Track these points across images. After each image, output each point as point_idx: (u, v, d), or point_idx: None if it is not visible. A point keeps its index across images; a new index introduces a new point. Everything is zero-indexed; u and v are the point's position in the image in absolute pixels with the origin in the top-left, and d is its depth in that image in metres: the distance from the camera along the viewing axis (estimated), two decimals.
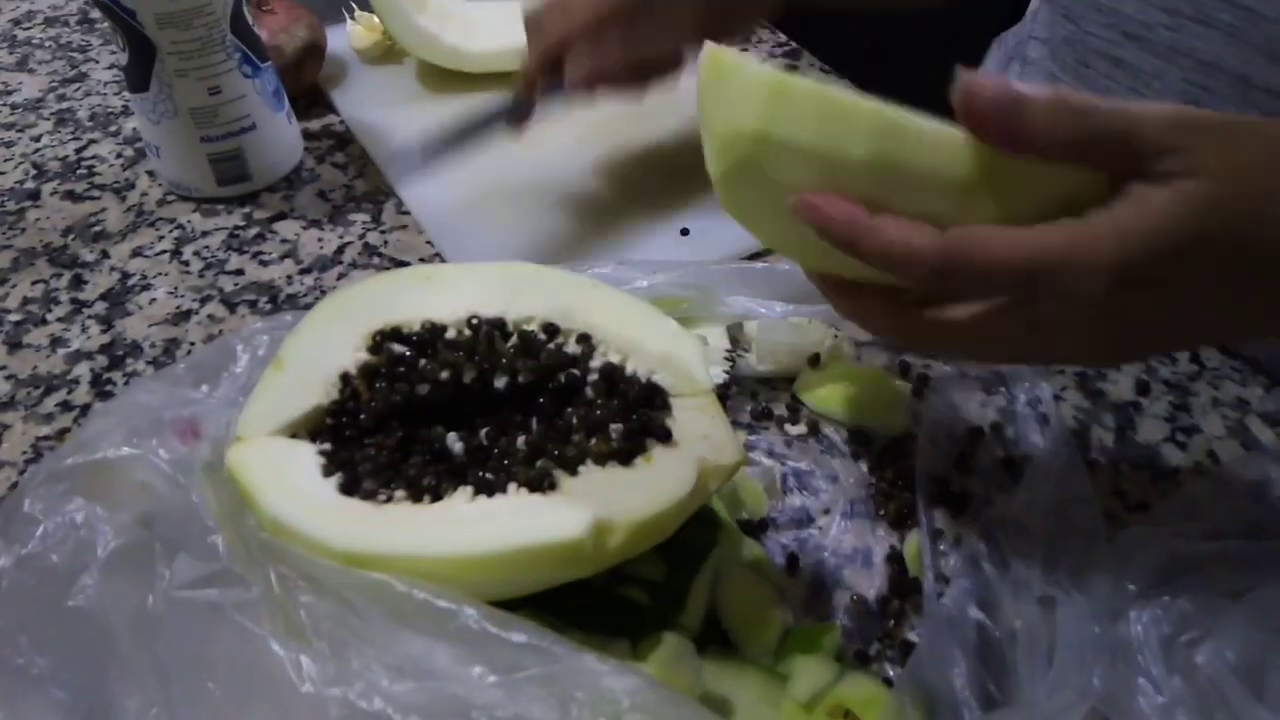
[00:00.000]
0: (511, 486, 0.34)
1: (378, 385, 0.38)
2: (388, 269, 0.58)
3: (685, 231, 0.59)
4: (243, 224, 0.61)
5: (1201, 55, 0.50)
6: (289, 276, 0.57)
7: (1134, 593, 0.39)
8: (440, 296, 0.40)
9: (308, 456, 0.35)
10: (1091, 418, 0.49)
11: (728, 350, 0.51)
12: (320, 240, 0.60)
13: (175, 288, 0.57)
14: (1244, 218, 0.30)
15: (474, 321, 0.40)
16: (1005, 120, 0.30)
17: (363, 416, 0.37)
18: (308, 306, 0.53)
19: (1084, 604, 0.39)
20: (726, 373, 0.50)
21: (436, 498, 0.34)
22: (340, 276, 0.57)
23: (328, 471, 0.35)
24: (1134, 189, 0.30)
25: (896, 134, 0.32)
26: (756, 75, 0.33)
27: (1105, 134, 0.30)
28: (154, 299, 0.56)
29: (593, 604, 0.37)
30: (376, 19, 0.70)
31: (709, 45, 0.36)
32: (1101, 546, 0.41)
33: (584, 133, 0.66)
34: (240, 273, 0.58)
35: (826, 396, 0.50)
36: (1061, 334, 0.34)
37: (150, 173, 0.65)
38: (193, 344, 0.53)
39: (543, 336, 0.40)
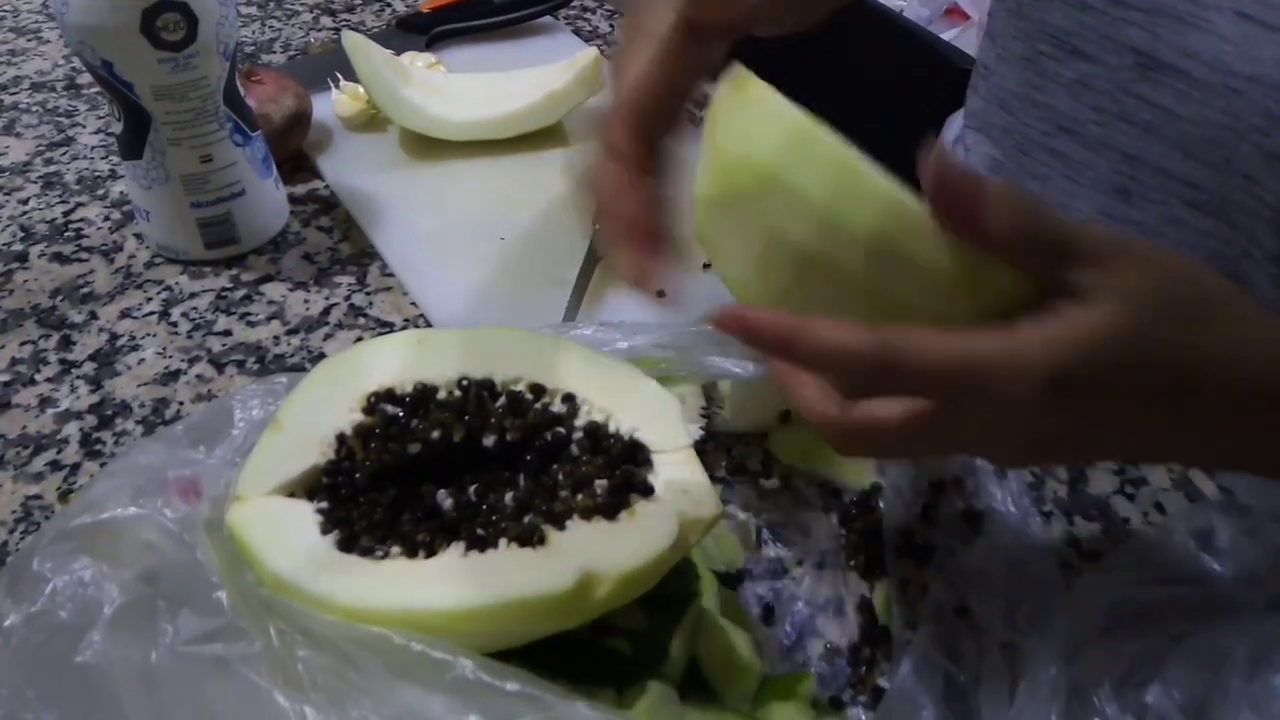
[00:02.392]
0: (502, 541, 0.36)
1: (372, 445, 0.39)
2: (373, 330, 0.60)
3: (661, 294, 0.62)
4: (230, 286, 0.63)
5: (1126, 149, 0.55)
6: (276, 337, 0.59)
7: (1088, 638, 0.41)
8: (431, 359, 0.42)
9: (306, 515, 0.37)
10: (1046, 471, 0.52)
11: (703, 407, 0.54)
12: (307, 301, 0.61)
13: (164, 348, 0.58)
14: (1165, 348, 0.32)
15: (464, 383, 0.42)
16: (967, 206, 0.31)
17: (358, 476, 0.39)
18: (295, 367, 0.55)
19: (1042, 648, 0.41)
20: (703, 429, 0.53)
21: (431, 553, 0.36)
22: (326, 337, 0.59)
23: (325, 529, 0.36)
24: (1063, 306, 0.32)
25: (904, 218, 0.32)
26: (784, 113, 0.33)
27: (1048, 238, 0.31)
28: (142, 359, 0.57)
29: (578, 655, 0.39)
30: (361, 89, 0.73)
31: (739, 67, 0.35)
32: (1057, 594, 0.44)
33: (561, 200, 0.69)
34: (228, 333, 0.59)
35: (797, 451, 0.52)
36: (986, 435, 0.35)
37: (138, 235, 0.66)
38: (181, 404, 0.55)
39: (530, 397, 0.42)
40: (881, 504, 0.49)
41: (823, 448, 0.52)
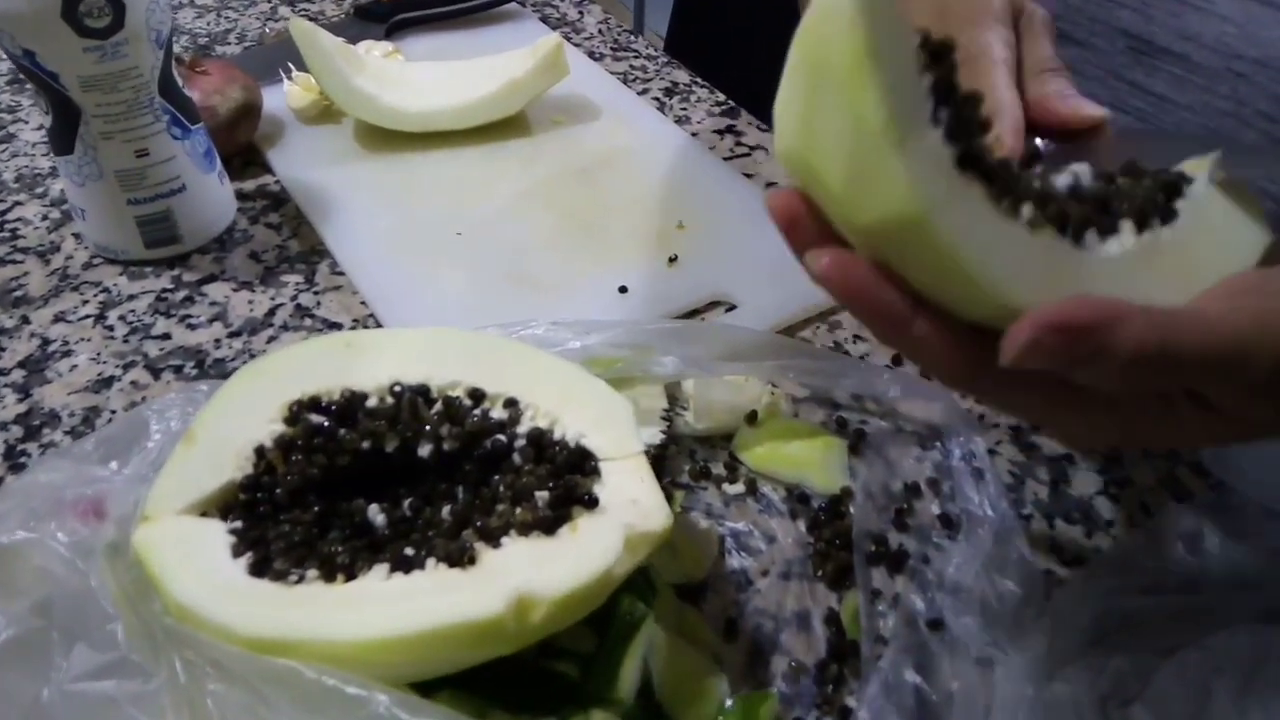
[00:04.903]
0: (430, 562, 0.33)
1: (294, 458, 0.36)
2: (320, 331, 0.57)
3: (623, 289, 0.59)
4: (171, 287, 0.60)
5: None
6: (217, 340, 0.56)
7: (1070, 652, 0.39)
8: (361, 364, 0.39)
9: (217, 536, 0.34)
10: (1026, 471, 0.49)
11: (665, 409, 0.51)
12: (251, 302, 0.58)
13: (98, 354, 0.55)
14: None
15: (396, 389, 0.39)
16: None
17: (278, 491, 0.36)
18: (235, 371, 0.52)
19: (1020, 665, 0.38)
20: (664, 432, 0.50)
21: (350, 576, 0.33)
22: (270, 339, 0.56)
23: (237, 551, 0.33)
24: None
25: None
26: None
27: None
28: (75, 366, 0.54)
29: (519, 680, 0.36)
30: (314, 80, 0.70)
31: None
32: (1038, 604, 0.41)
33: (524, 191, 0.66)
34: (167, 337, 0.56)
35: (764, 455, 0.50)
36: (1195, 425, 0.30)
37: (76, 235, 0.63)
38: (113, 412, 0.52)
39: (468, 402, 0.39)
40: (852, 509, 0.47)
41: (791, 450, 0.49)
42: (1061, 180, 0.30)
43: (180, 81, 0.59)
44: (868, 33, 0.25)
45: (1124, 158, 0.37)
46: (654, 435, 0.49)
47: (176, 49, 0.81)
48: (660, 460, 0.49)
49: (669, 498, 0.47)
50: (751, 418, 0.51)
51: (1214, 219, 0.31)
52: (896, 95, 0.26)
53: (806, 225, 0.28)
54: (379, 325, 0.57)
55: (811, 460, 0.49)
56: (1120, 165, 0.32)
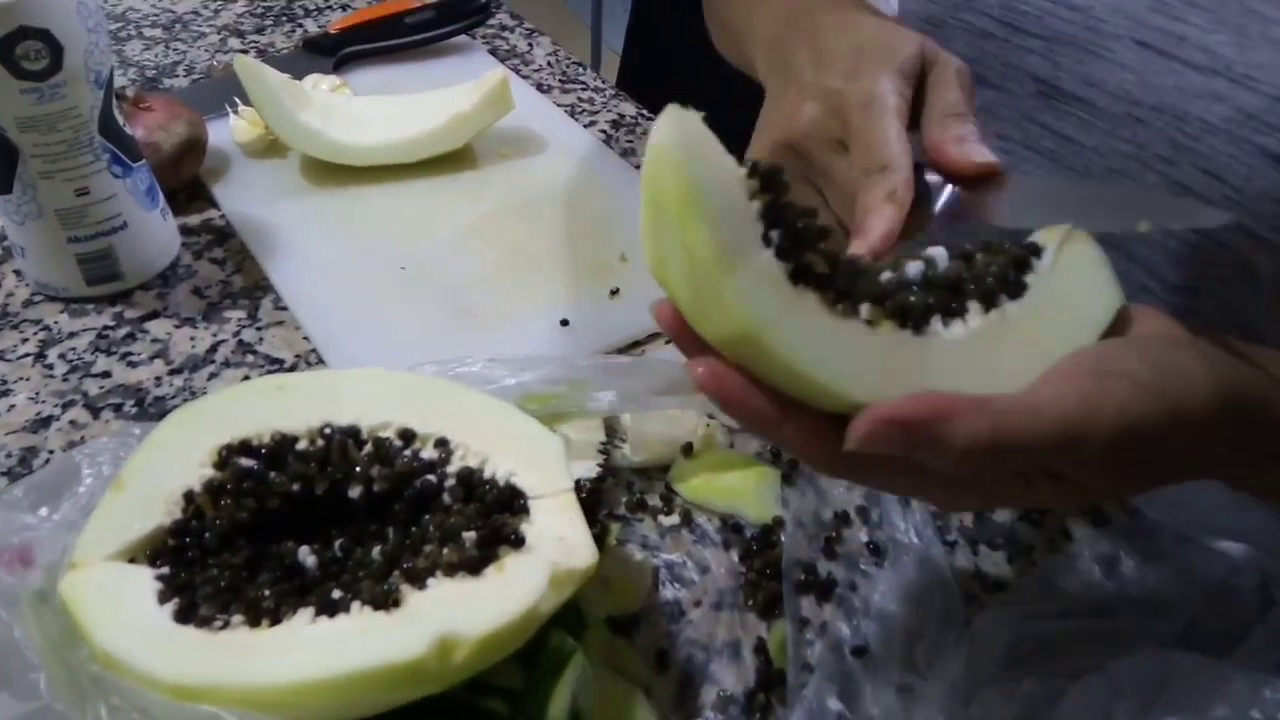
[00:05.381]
0: (355, 605, 0.34)
1: (224, 502, 0.37)
2: (261, 368, 0.57)
3: (565, 322, 0.60)
4: (113, 324, 0.60)
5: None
6: (158, 378, 0.56)
7: (986, 676, 0.40)
8: (292, 407, 0.40)
9: (145, 582, 0.34)
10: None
11: (602, 442, 0.52)
12: (193, 339, 0.59)
13: (36, 393, 0.55)
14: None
15: (326, 431, 0.39)
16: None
17: (206, 536, 0.36)
18: (175, 409, 0.52)
19: (938, 690, 0.40)
20: (601, 465, 0.51)
21: (276, 621, 0.33)
22: (211, 376, 0.56)
23: (164, 597, 0.34)
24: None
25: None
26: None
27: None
28: (13, 405, 0.54)
29: (448, 718, 0.37)
30: (259, 114, 0.70)
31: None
32: (958, 629, 0.43)
33: (469, 225, 0.67)
34: (107, 375, 0.56)
35: (699, 485, 0.51)
36: (1054, 490, 0.32)
37: (17, 272, 0.63)
38: (51, 452, 0.52)
39: (398, 443, 0.40)
40: (783, 538, 0.48)
41: (726, 481, 0.51)
42: (913, 268, 0.32)
43: (121, 119, 0.59)
44: (690, 175, 0.28)
45: (1032, 203, 0.39)
46: (590, 469, 0.50)
47: (123, 82, 0.82)
48: (597, 493, 0.50)
49: (605, 530, 0.48)
50: (688, 449, 0.52)
51: (1065, 287, 0.33)
52: (724, 227, 0.28)
53: (686, 332, 0.31)
54: (321, 361, 0.57)
55: (745, 490, 0.50)
56: (980, 242, 0.34)
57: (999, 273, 0.32)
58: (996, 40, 0.53)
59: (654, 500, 0.50)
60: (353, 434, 0.40)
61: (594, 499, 0.49)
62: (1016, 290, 0.32)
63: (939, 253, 0.33)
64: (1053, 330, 0.32)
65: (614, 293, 0.62)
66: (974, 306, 0.31)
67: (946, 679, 0.40)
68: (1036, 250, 0.33)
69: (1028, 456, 0.29)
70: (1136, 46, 0.48)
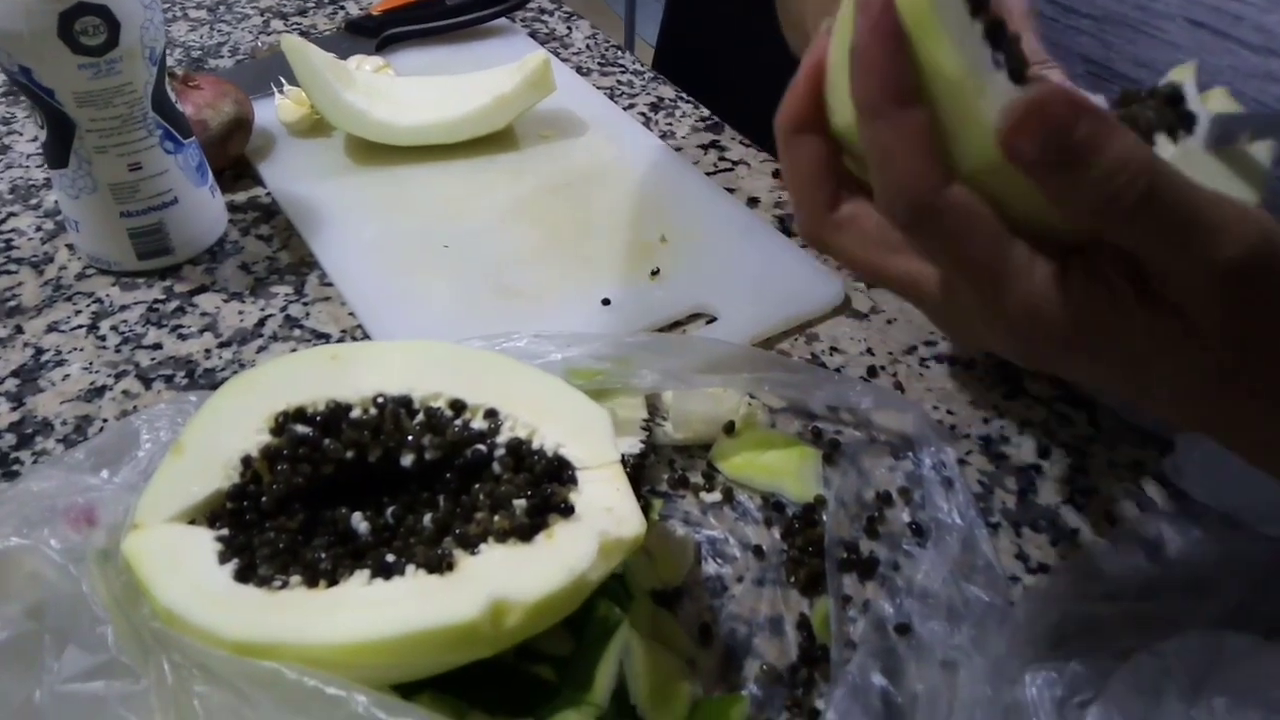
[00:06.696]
0: (410, 568, 0.34)
1: (280, 467, 0.38)
2: (309, 341, 0.58)
3: (607, 301, 0.60)
4: (163, 297, 0.61)
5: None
6: (207, 350, 0.57)
7: (1031, 655, 0.40)
8: (346, 376, 0.40)
9: (205, 543, 0.35)
10: (994, 480, 0.50)
11: (645, 419, 0.52)
12: (241, 313, 0.60)
13: (90, 363, 0.56)
14: None
15: (379, 400, 0.40)
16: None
17: (264, 500, 0.37)
18: (224, 381, 0.53)
19: (982, 667, 0.40)
20: (643, 442, 0.51)
21: (332, 582, 0.34)
22: (260, 350, 0.57)
23: (224, 558, 0.35)
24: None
25: None
26: None
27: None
28: (68, 375, 0.55)
29: (498, 682, 0.37)
30: (304, 94, 0.71)
31: None
32: (1002, 609, 0.43)
33: (511, 205, 0.68)
34: (158, 347, 0.57)
35: (741, 464, 0.51)
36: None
37: (70, 246, 0.64)
38: (105, 421, 0.53)
39: (449, 413, 0.41)
40: (825, 517, 0.48)
41: (767, 460, 0.51)
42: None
43: (173, 96, 0.60)
44: None
45: None
46: (634, 445, 0.50)
47: (170, 63, 0.83)
48: (640, 469, 0.50)
49: (648, 505, 0.49)
50: (729, 428, 0.52)
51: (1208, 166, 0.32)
52: (966, 45, 0.27)
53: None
54: (366, 336, 0.58)
55: (787, 469, 0.50)
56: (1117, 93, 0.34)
57: (1161, 113, 0.32)
58: (1046, 20, 0.53)
59: (695, 478, 0.51)
60: (405, 403, 0.40)
61: (636, 475, 0.49)
62: (1189, 123, 0.32)
63: (1099, 99, 0.33)
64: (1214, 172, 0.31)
65: (654, 273, 0.62)
66: (1161, 139, 0.32)
67: (990, 656, 0.40)
68: (1179, 92, 0.33)
69: (1159, 225, 0.27)
70: (1190, 26, 0.47)
